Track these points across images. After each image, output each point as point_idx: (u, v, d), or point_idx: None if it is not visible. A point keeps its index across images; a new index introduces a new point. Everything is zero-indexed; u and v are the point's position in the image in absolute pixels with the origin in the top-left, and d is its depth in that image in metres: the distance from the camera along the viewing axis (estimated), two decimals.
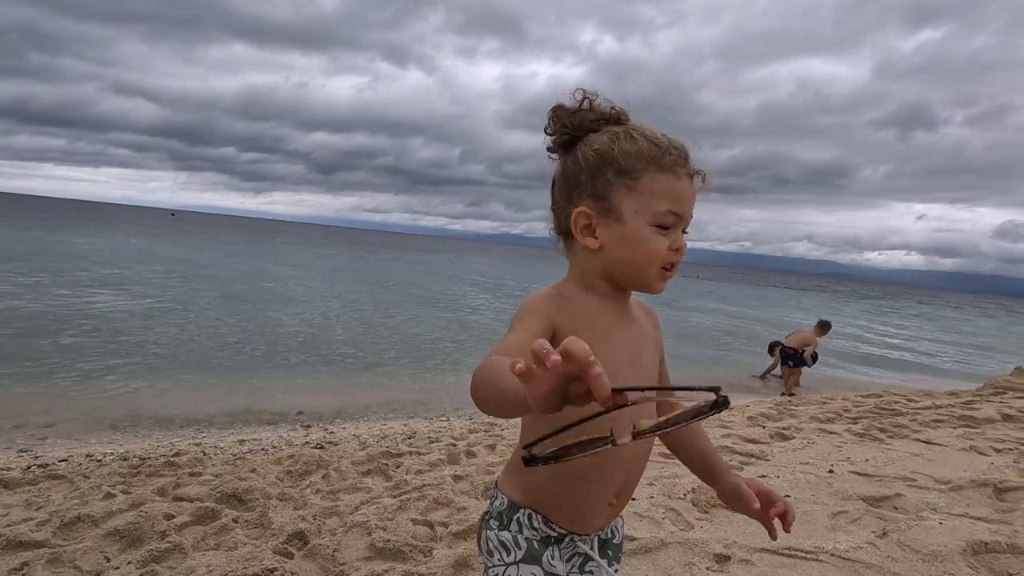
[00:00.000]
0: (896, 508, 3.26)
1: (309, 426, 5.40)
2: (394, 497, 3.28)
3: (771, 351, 9.82)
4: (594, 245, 0.97)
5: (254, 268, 22.13)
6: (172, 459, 3.85)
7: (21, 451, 4.26)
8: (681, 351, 11.57)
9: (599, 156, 0.96)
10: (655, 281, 0.98)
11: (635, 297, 1.08)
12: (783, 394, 8.61)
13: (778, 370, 9.67)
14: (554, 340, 0.92)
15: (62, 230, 33.99)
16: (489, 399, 0.67)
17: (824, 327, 9.57)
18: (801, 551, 2.66)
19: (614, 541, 1.12)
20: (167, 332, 8.88)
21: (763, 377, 9.96)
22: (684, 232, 0.98)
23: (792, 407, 6.74)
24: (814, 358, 9.37)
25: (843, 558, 2.61)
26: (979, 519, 3.05)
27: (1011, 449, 4.69)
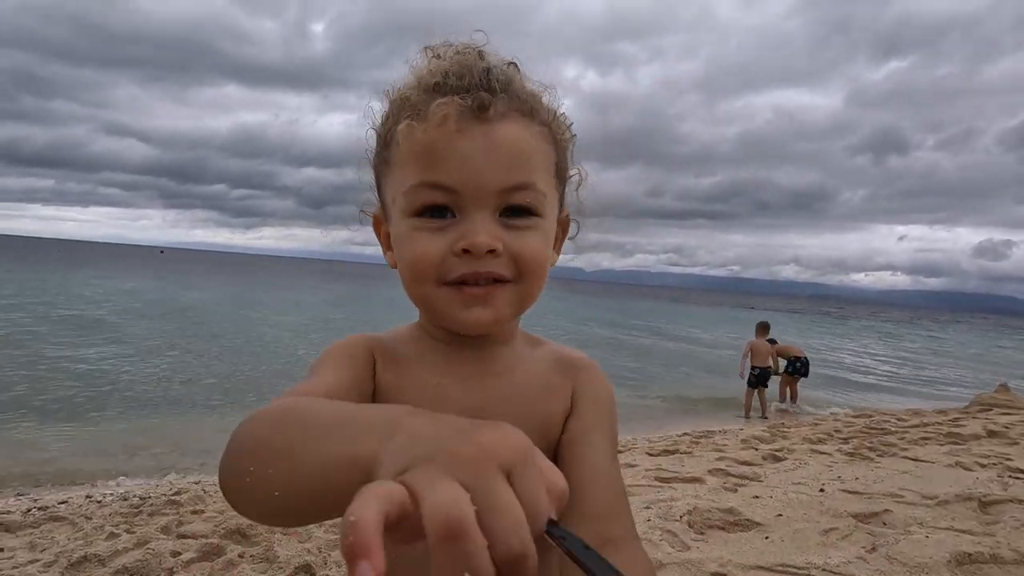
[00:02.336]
0: (885, 524, 3.36)
1: None
2: None
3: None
4: (392, 262, 0.70)
5: (233, 305, 22.10)
6: (173, 498, 3.88)
7: (19, 495, 4.26)
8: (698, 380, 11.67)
9: (375, 129, 0.70)
10: (448, 307, 0.63)
11: (556, 348, 0.77)
12: (763, 416, 8.40)
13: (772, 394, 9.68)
14: (377, 395, 0.69)
15: (39, 269, 33.82)
16: (274, 474, 0.42)
17: (764, 328, 9.16)
18: (794, 567, 2.75)
19: None
20: (152, 371, 8.87)
21: (764, 416, 8.85)
22: (517, 216, 0.62)
23: (784, 429, 6.85)
24: (776, 363, 9.04)
25: (834, 573, 2.70)
26: (964, 532, 3.16)
27: (995, 464, 4.82)
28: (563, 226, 0.74)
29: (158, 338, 11.91)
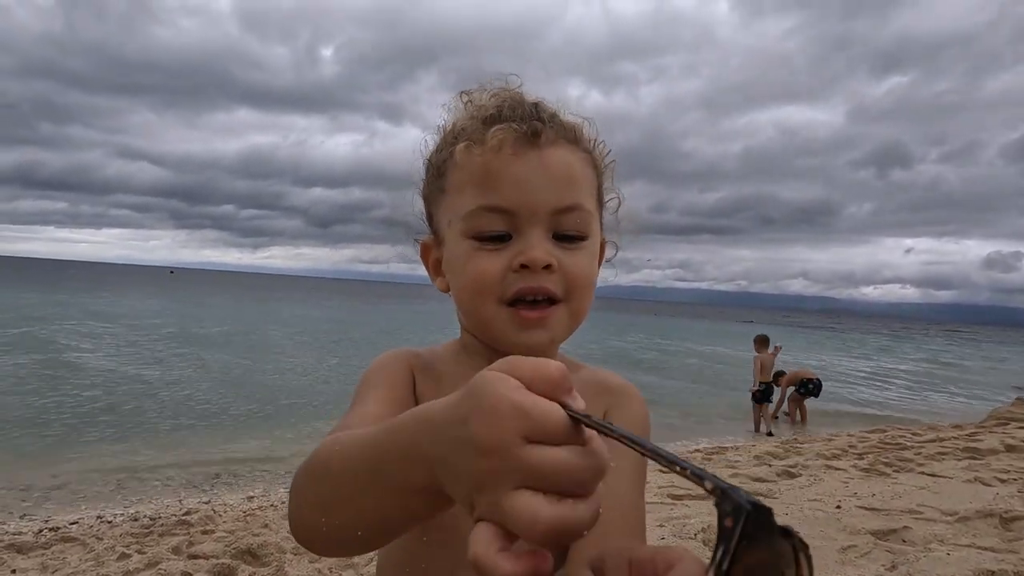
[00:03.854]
0: (904, 541, 3.29)
1: None
2: None
3: (776, 380, 9.32)
4: (443, 287, 0.73)
5: (242, 327, 22.21)
6: (183, 518, 3.87)
7: (29, 516, 4.26)
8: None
9: (426, 160, 0.74)
10: (505, 328, 0.66)
11: (594, 372, 0.78)
12: (769, 433, 8.25)
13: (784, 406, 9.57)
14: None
15: (53, 291, 34.19)
16: (347, 519, 0.45)
17: (764, 342, 9.08)
18: None
19: None
20: (162, 394, 8.90)
21: (775, 417, 9.26)
22: (567, 238, 0.65)
23: (798, 444, 6.76)
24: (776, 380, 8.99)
25: None
26: (986, 549, 3.09)
27: (1015, 479, 4.73)
28: (601, 251, 0.76)
29: (179, 361, 11.96)
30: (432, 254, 0.74)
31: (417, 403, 0.69)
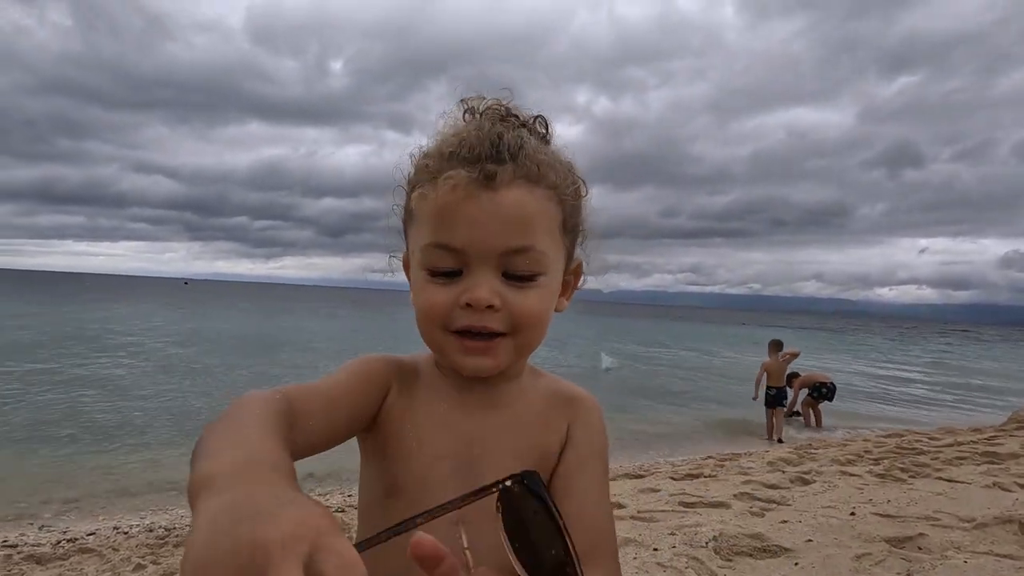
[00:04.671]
0: (920, 548, 3.24)
1: (325, 493, 5.43)
2: None
3: (789, 382, 9.15)
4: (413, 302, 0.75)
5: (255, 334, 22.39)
6: None
7: (47, 528, 4.33)
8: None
9: (405, 178, 0.77)
10: (452, 352, 0.71)
11: (554, 382, 0.82)
12: (780, 440, 8.08)
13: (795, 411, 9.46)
14: (381, 416, 0.75)
15: (71, 303, 34.77)
16: None
17: (777, 347, 8.89)
18: None
19: None
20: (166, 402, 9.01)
21: (789, 415, 9.07)
22: (517, 277, 0.68)
23: (812, 450, 6.68)
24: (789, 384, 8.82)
25: None
26: (1005, 556, 3.03)
27: None
28: (576, 274, 0.81)
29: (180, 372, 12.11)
30: (406, 270, 0.80)
31: (385, 408, 0.76)
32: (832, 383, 9.24)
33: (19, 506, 4.68)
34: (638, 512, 3.97)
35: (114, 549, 3.58)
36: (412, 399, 0.77)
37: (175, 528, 4.00)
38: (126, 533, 3.99)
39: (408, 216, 0.76)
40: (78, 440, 6.72)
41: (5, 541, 3.77)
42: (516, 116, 0.73)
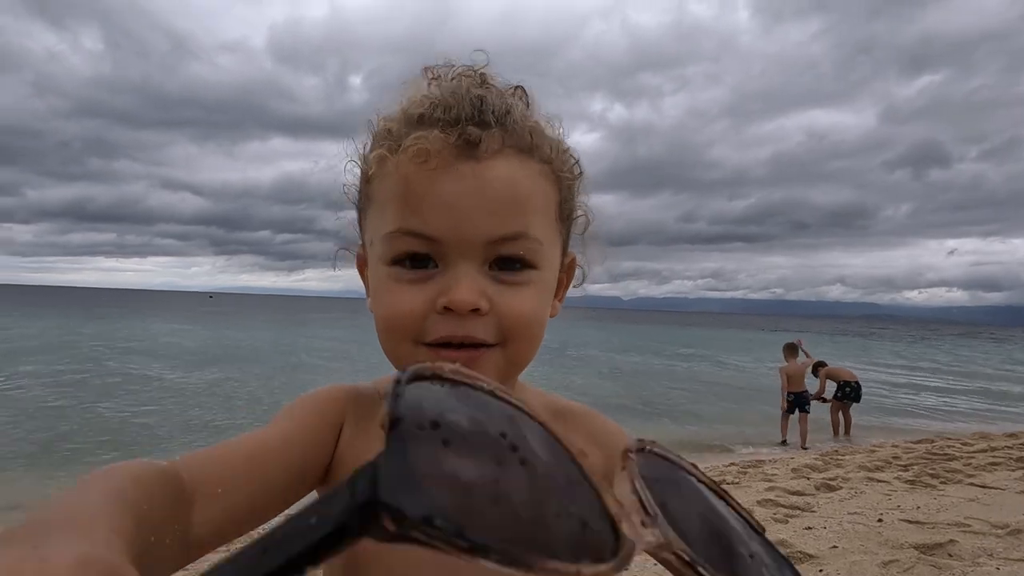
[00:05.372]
0: (951, 555, 3.17)
1: None
2: None
3: (814, 370, 8.82)
4: (370, 304, 0.62)
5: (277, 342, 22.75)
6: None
7: None
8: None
9: (360, 157, 0.62)
10: None
11: (548, 400, 0.69)
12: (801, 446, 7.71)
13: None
14: (334, 464, 0.58)
15: (101, 319, 35.75)
16: None
17: (792, 350, 8.58)
18: None
19: None
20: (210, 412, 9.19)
21: (804, 447, 7.94)
22: (507, 270, 0.55)
23: (839, 456, 6.55)
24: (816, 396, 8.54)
25: None
26: None
27: None
28: (569, 271, 0.66)
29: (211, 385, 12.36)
30: (366, 266, 0.63)
31: (339, 450, 0.58)
32: (857, 382, 8.99)
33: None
34: None
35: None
36: (371, 438, 0.58)
37: None
38: None
39: (364, 199, 0.60)
40: (138, 445, 6.90)
41: None
42: (494, 85, 0.58)
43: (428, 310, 0.54)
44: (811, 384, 8.68)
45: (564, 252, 0.64)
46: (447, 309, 0.53)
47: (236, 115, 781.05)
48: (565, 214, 0.62)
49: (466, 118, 0.53)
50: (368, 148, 0.60)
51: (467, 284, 0.53)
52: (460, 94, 0.55)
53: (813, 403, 8.39)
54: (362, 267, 0.65)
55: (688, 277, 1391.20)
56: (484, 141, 0.53)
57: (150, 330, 27.21)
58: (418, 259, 0.55)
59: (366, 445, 0.58)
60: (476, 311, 0.53)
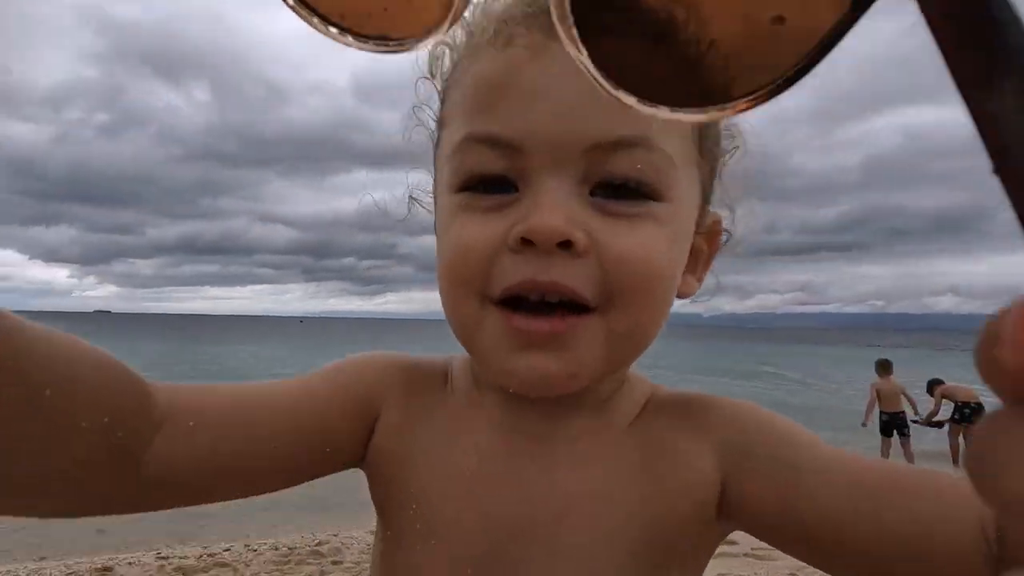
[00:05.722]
0: None
1: None
2: None
3: (929, 390, 8.09)
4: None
5: None
6: (316, 548, 4.20)
7: (190, 543, 4.83)
8: None
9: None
10: (494, 346, 0.40)
11: (673, 395, 0.49)
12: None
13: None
14: (371, 455, 0.48)
15: (202, 343, 38.94)
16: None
17: (885, 367, 7.88)
18: None
19: None
20: None
21: (923, 423, 7.99)
22: (617, 195, 0.39)
23: None
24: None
25: None
26: None
27: None
28: (711, 238, 0.48)
29: None
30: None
31: (373, 448, 0.47)
32: (979, 403, 8.03)
33: (170, 525, 5.27)
34: (751, 549, 3.71)
35: (246, 564, 3.93)
36: (420, 429, 0.46)
37: (296, 548, 4.32)
38: (255, 550, 4.36)
39: (438, 126, 0.47)
40: None
41: (159, 553, 4.26)
42: None
43: (500, 246, 0.39)
44: (922, 402, 7.90)
45: (704, 204, 0.46)
46: (524, 242, 0.37)
47: (323, 151, 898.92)
48: (708, 142, 0.44)
49: (529, 13, 0.39)
50: (447, 59, 0.46)
51: (556, 205, 0.37)
52: None
53: (921, 427, 7.65)
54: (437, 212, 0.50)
55: (774, 290, 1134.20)
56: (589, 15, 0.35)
57: (249, 354, 29.36)
58: (492, 182, 0.40)
59: (410, 439, 0.46)
60: (567, 245, 0.37)
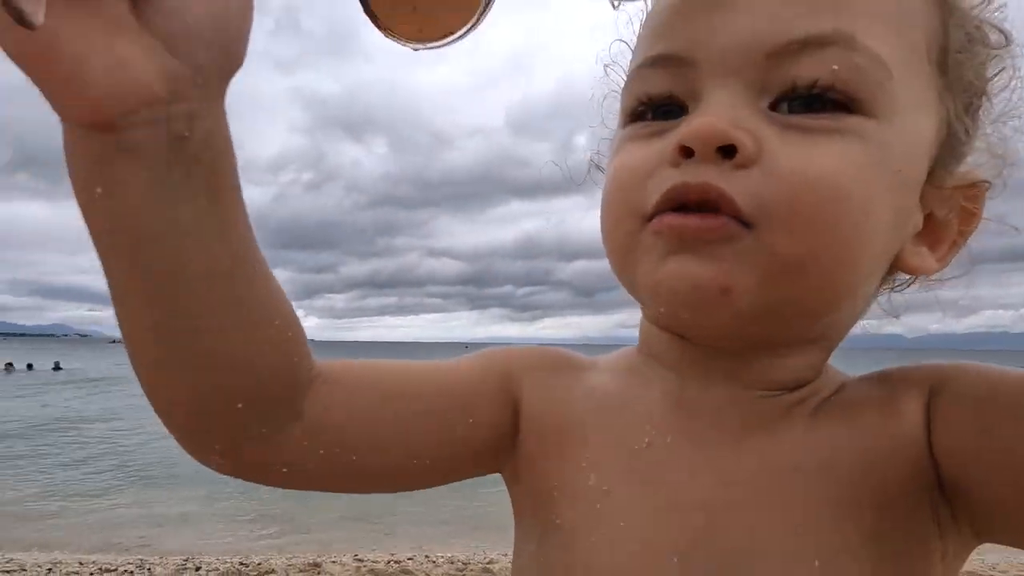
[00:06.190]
0: None
1: None
2: None
3: None
4: None
5: None
6: (487, 566, 4.38)
7: (379, 549, 5.35)
8: None
9: None
10: (643, 258, 0.36)
11: (879, 374, 0.40)
12: None
13: None
14: (519, 448, 0.43)
15: None
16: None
17: None
18: None
19: None
20: None
21: None
22: (803, 105, 0.32)
23: None
24: None
25: None
26: None
27: None
28: (965, 216, 0.37)
29: None
30: None
31: (517, 411, 0.43)
32: None
33: (361, 533, 5.91)
34: None
35: (426, 573, 4.24)
36: (577, 403, 0.42)
37: (469, 563, 4.55)
38: (433, 562, 4.68)
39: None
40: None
41: (356, 555, 4.78)
42: None
43: (659, 164, 0.34)
44: None
45: (949, 150, 0.36)
46: (682, 151, 0.33)
47: (481, 186, 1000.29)
48: (952, 62, 0.34)
49: None
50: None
51: (717, 109, 0.32)
52: None
53: None
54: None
55: (1006, 305, 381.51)
56: None
57: None
58: (660, 106, 0.36)
59: (574, 405, 0.42)
60: (730, 152, 0.31)
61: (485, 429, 0.42)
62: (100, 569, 3.91)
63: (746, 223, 0.32)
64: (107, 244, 0.30)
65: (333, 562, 4.47)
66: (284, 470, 0.38)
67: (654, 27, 0.37)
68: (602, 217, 0.39)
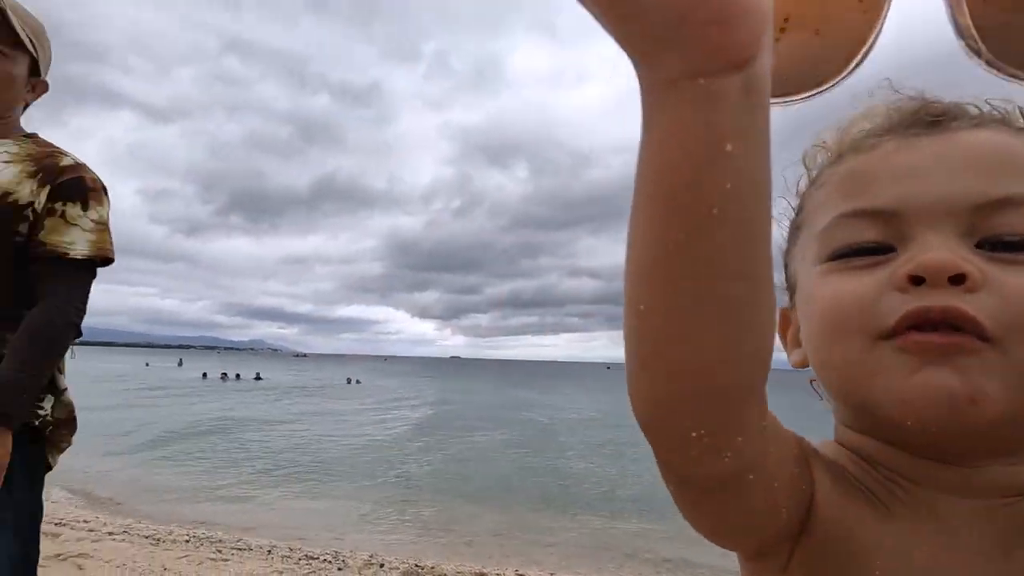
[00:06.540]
0: None
1: None
2: None
3: None
4: (796, 360, 0.48)
5: None
6: None
7: (540, 568, 5.41)
8: None
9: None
10: (890, 373, 0.37)
11: None
12: None
13: None
14: (814, 527, 0.39)
15: (519, 387, 43.88)
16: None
17: None
18: None
19: None
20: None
21: None
22: (1006, 245, 0.37)
23: None
24: None
25: None
26: None
27: None
28: None
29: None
30: (790, 324, 0.49)
31: (813, 500, 0.40)
32: None
33: (503, 553, 6.02)
34: None
35: None
36: (846, 500, 0.40)
37: None
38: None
39: (793, 234, 0.48)
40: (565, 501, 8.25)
41: (518, 570, 4.90)
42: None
43: (883, 289, 0.38)
44: None
45: None
46: (912, 280, 0.36)
47: (622, 204, 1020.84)
48: None
49: (925, 115, 0.42)
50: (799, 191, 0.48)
51: (941, 245, 0.37)
52: (914, 102, 0.43)
53: None
54: (784, 325, 0.50)
55: None
56: (948, 117, 0.41)
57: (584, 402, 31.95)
58: (866, 250, 0.39)
59: (837, 503, 0.40)
60: (960, 280, 0.36)
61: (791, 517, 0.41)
62: (306, 556, 4.46)
63: (985, 339, 0.35)
64: (724, 211, 0.26)
65: (497, 574, 4.62)
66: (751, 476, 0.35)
67: (849, 188, 0.42)
68: (820, 338, 0.41)
